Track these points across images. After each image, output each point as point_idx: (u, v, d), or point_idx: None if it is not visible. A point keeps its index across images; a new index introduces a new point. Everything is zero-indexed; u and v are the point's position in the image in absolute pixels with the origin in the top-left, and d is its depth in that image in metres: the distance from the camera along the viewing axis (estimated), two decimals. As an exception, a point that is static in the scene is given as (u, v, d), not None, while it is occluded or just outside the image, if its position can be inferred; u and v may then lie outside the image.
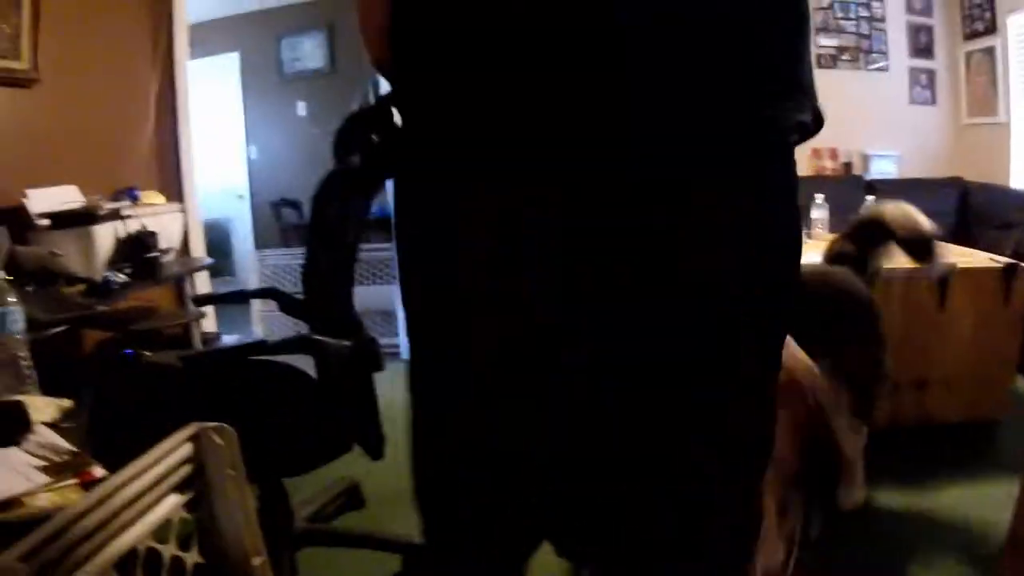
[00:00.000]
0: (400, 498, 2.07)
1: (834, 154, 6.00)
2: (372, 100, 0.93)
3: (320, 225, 1.98)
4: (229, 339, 4.47)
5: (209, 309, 4.46)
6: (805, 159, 6.01)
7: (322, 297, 2.01)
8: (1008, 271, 2.94)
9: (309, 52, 6.20)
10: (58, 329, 2.22)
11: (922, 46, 6.08)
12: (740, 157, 0.82)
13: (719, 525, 0.90)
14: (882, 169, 5.99)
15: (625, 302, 0.81)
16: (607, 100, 0.74)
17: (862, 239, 2.44)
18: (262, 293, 3.50)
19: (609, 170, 0.76)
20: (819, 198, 3.77)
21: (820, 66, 6.01)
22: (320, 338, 1.82)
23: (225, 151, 6.33)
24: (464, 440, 0.91)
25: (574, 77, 0.73)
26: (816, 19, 5.97)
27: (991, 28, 5.55)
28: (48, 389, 1.39)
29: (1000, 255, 3.14)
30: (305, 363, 1.88)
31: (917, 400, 2.96)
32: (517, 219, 0.79)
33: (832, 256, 2.50)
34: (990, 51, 5.57)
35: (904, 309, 2.89)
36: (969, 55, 5.84)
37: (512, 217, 0.79)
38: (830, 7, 5.96)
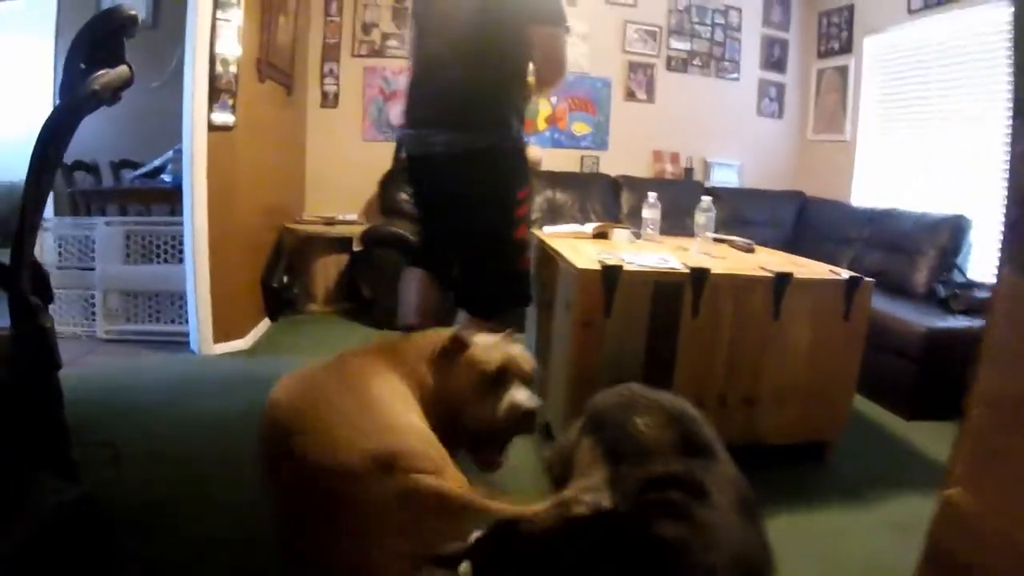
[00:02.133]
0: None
1: (675, 158, 5.81)
2: None
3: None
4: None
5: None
6: (647, 160, 5.79)
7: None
8: (851, 284, 2.66)
9: (131, 2, 5.44)
10: None
11: (775, 59, 5.99)
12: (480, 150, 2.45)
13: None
14: (723, 177, 5.85)
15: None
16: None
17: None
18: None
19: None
20: (651, 197, 3.40)
21: (670, 68, 5.81)
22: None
23: (32, 107, 5.45)
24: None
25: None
26: (671, 21, 5.77)
27: (846, 47, 5.50)
28: None
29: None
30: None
31: (746, 418, 2.63)
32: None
33: None
34: (843, 70, 5.52)
35: (736, 317, 2.55)
36: (821, 72, 5.79)
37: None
38: (686, 10, 5.77)
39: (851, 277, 2.67)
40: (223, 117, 3.73)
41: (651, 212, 3.34)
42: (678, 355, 2.51)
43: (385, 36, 5.48)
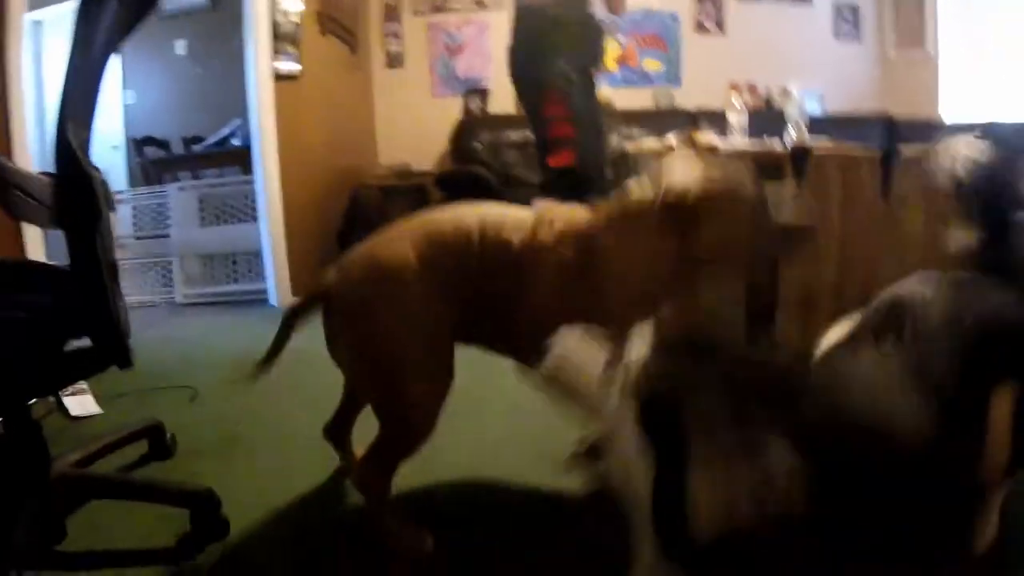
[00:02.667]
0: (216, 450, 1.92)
1: (753, 89, 5.57)
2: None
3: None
4: None
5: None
6: (723, 94, 5.55)
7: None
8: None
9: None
10: None
11: (847, -21, 5.69)
12: None
13: None
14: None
15: None
16: None
17: None
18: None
19: None
20: (736, 101, 3.24)
21: (741, -1, 5.58)
22: None
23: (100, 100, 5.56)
24: None
25: None
26: (736, -49, 5.54)
27: (919, -42, 5.20)
28: None
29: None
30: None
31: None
32: None
33: None
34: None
35: (841, 197, 2.36)
36: (897, -13, 5.49)
37: None
38: (751, -61, 5.53)
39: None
40: (288, 66, 3.70)
41: (737, 117, 3.15)
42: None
43: (446, -8, 5.41)
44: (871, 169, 2.36)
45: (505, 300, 1.36)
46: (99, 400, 2.36)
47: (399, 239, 1.38)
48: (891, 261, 2.40)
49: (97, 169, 1.32)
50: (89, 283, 1.31)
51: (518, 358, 1.42)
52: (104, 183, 1.36)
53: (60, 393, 2.32)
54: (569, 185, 2.91)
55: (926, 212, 2.42)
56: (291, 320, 1.43)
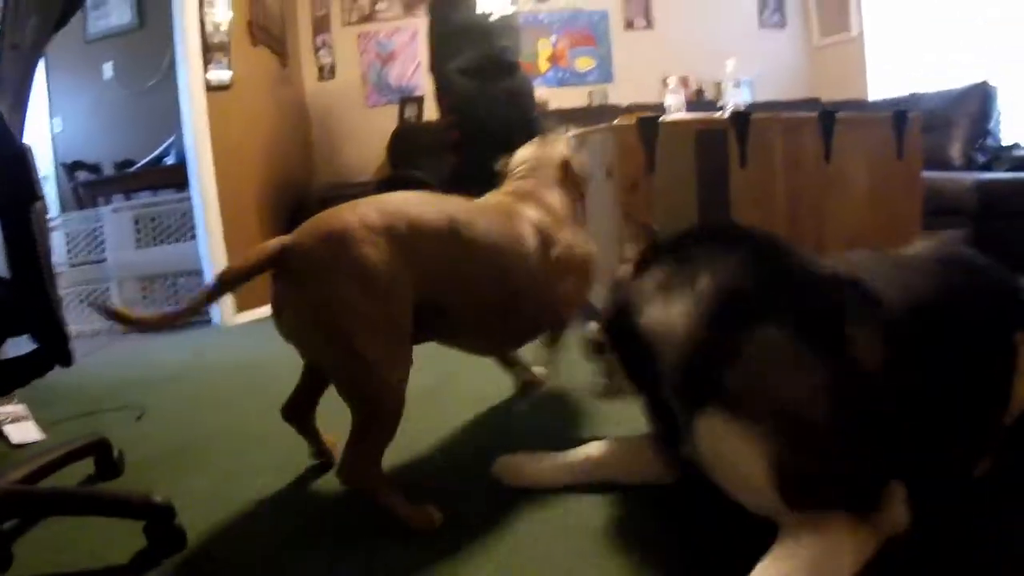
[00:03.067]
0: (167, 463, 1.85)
1: (685, 82, 5.64)
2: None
3: None
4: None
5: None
6: (656, 88, 5.62)
7: None
8: (898, 119, 2.50)
9: (113, 6, 5.40)
10: None
11: (768, -34, 5.83)
12: None
13: None
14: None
15: None
16: None
17: None
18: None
19: None
20: (672, 81, 3.34)
21: (665, -9, 5.67)
22: None
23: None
24: None
25: None
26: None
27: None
28: None
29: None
30: None
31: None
32: None
33: None
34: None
35: (786, 164, 2.39)
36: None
37: None
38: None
39: (896, 111, 2.51)
40: (219, 75, 3.62)
41: (674, 98, 3.17)
42: (732, 212, 2.35)
43: (374, 1, 5.37)
44: (811, 131, 2.39)
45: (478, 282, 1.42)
46: (41, 426, 2.25)
47: (352, 208, 1.34)
48: (836, 220, 2.44)
49: (30, 150, 1.24)
50: (28, 271, 1.24)
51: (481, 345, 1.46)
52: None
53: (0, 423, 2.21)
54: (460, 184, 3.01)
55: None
56: (228, 282, 1.34)
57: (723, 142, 2.31)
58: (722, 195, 2.33)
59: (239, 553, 1.33)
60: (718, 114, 2.50)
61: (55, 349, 1.32)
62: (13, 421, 2.24)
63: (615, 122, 3.17)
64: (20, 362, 1.32)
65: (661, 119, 2.28)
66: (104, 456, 1.80)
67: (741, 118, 2.31)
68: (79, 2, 1.51)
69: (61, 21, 1.51)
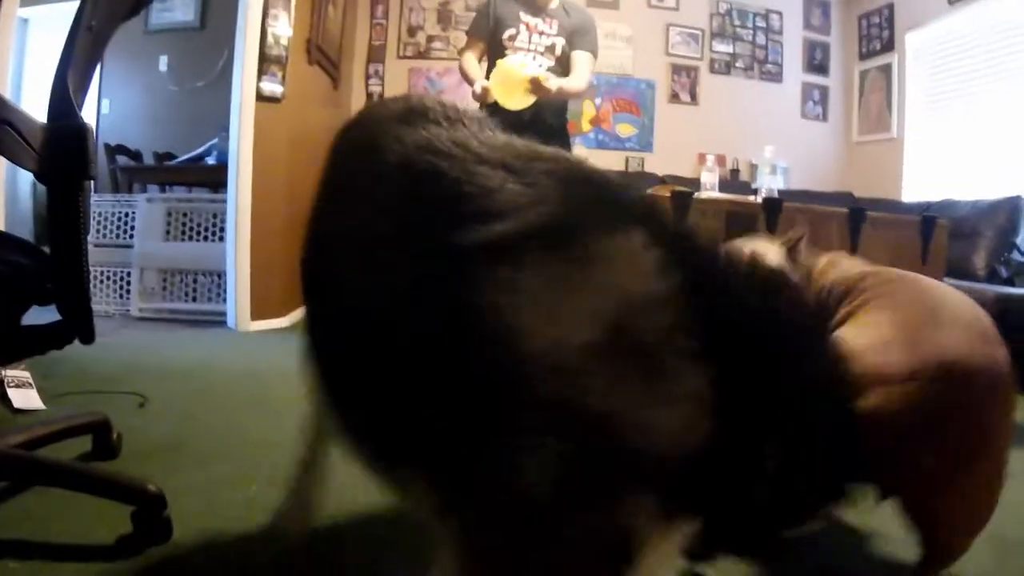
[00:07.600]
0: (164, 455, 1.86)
1: (722, 160, 5.72)
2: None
3: None
4: None
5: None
6: (691, 163, 5.69)
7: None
8: (926, 224, 2.53)
9: (178, 3, 5.57)
10: None
11: (817, 62, 5.94)
12: None
13: None
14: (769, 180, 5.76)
15: None
16: None
17: None
18: None
19: None
20: (709, 160, 3.36)
21: (713, 71, 5.78)
22: None
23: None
24: None
25: None
26: (713, 24, 5.76)
27: (888, 45, 5.45)
28: None
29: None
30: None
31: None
32: None
33: None
34: (886, 68, 5.46)
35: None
36: (864, 73, 5.73)
37: None
38: (727, 14, 5.76)
39: (925, 216, 2.54)
40: (272, 87, 3.71)
41: (709, 176, 3.22)
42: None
43: (430, 39, 5.51)
44: (840, 226, 2.43)
45: None
46: (43, 396, 2.28)
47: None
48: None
49: (91, 130, 1.29)
50: (66, 245, 1.27)
51: None
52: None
53: (5, 384, 2.24)
54: None
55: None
56: None
57: (752, 225, 2.35)
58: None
59: (219, 557, 1.34)
60: (751, 197, 2.54)
61: (79, 324, 1.35)
62: (18, 386, 2.28)
63: (649, 191, 3.24)
64: (41, 331, 1.35)
65: (695, 195, 2.32)
66: (103, 436, 1.83)
67: (773, 204, 2.35)
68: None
69: (135, 10, 1.58)
